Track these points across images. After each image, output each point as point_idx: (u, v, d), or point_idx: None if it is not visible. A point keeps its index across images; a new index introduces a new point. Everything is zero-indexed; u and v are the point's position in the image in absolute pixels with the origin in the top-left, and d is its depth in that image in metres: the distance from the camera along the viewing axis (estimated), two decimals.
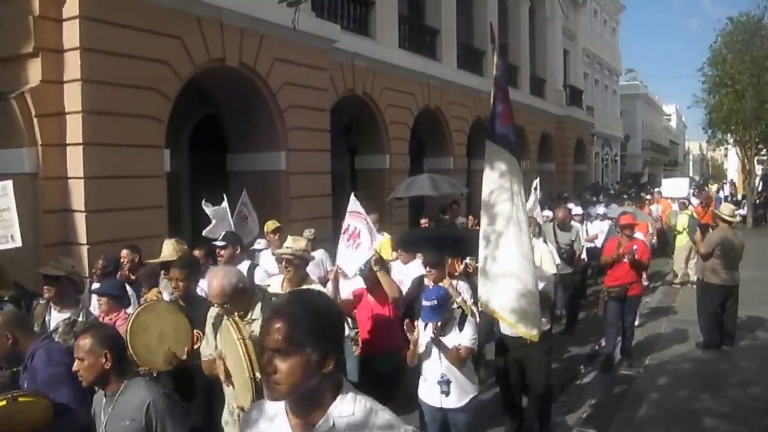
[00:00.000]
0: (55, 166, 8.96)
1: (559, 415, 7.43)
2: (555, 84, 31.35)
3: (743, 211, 26.94)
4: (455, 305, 5.78)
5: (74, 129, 8.98)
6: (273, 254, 7.73)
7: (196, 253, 7.15)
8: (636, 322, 10.43)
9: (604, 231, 14.15)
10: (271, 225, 9.57)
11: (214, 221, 9.07)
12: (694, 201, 23.42)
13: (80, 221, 8.96)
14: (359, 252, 6.24)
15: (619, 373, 8.94)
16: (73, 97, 8.98)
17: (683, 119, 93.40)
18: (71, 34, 8.96)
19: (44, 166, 8.89)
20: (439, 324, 5.24)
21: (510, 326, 5.41)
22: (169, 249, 6.94)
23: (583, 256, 12.25)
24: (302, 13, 12.46)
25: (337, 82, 14.62)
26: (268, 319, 2.14)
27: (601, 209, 17.35)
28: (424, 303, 5.18)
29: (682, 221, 15.33)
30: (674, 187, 22.67)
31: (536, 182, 12.53)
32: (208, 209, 9.19)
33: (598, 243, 13.50)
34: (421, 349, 5.37)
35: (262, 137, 12.65)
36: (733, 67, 28.00)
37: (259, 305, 4.50)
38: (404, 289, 7.11)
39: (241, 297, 4.41)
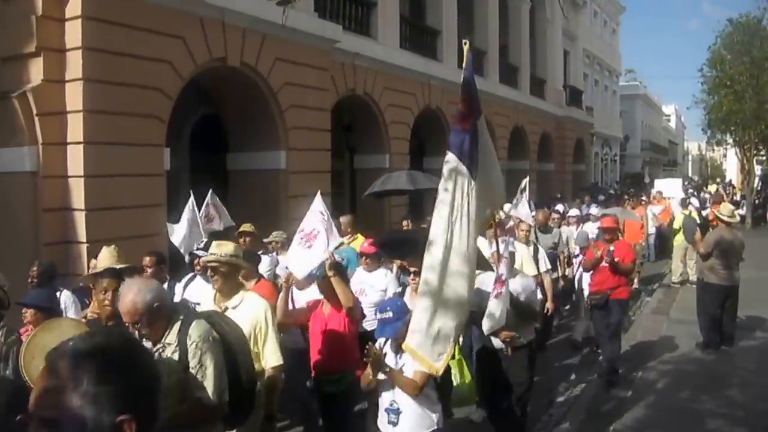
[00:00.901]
0: (56, 164, 8.96)
1: (558, 416, 7.45)
2: (555, 84, 31.35)
3: (742, 211, 26.93)
4: None
5: (75, 128, 8.99)
6: None
7: (146, 260, 6.81)
8: (623, 334, 9.62)
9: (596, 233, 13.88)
10: (246, 227, 8.85)
11: (180, 227, 8.66)
12: (695, 201, 23.44)
13: (80, 220, 8.97)
14: (312, 252, 5.70)
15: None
16: (74, 96, 8.99)
17: (682, 120, 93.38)
18: (74, 33, 8.97)
19: (45, 165, 8.89)
20: (390, 341, 4.71)
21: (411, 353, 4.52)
22: (105, 257, 5.98)
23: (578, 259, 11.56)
24: (304, 13, 12.60)
25: (338, 81, 14.63)
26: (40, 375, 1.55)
27: (594, 210, 16.96)
28: (378, 315, 4.71)
29: (678, 220, 15.36)
30: (668, 187, 22.77)
31: (525, 182, 11.74)
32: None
33: None
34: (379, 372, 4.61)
35: (263, 137, 12.65)
36: (733, 68, 28.03)
37: (177, 326, 3.84)
38: (369, 301, 6.85)
39: (156, 318, 3.79)
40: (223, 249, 4.93)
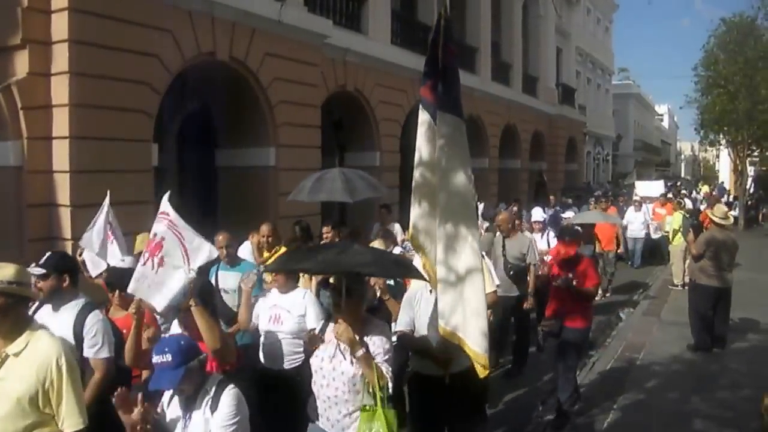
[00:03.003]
0: (41, 159, 8.87)
1: (549, 417, 7.39)
2: (547, 82, 31.32)
3: (735, 213, 26.94)
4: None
5: (61, 122, 8.89)
6: None
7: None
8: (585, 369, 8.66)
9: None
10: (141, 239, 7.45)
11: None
12: (687, 202, 23.38)
13: (65, 216, 8.87)
14: (165, 273, 4.34)
15: (608, 374, 8.88)
16: (60, 89, 8.89)
17: (675, 119, 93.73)
18: (60, 26, 8.86)
19: (30, 160, 8.80)
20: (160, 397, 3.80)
21: (474, 356, 4.14)
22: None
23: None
24: (294, 7, 12.48)
25: (328, 77, 14.51)
26: None
27: (568, 214, 15.82)
28: (153, 358, 3.56)
29: (676, 221, 15.27)
30: (648, 190, 22.56)
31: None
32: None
33: None
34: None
35: (252, 133, 12.56)
36: (726, 67, 28.04)
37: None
38: (287, 331, 5.53)
39: None
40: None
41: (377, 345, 4.18)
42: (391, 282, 6.48)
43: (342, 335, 4.07)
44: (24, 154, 8.80)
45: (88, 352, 4.52)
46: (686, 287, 12.08)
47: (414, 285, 5.55)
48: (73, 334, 4.49)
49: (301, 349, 5.24)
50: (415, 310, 5.11)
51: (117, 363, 4.65)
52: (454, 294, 4.16)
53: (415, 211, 4.45)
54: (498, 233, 9.38)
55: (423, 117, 4.38)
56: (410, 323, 5.11)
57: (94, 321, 4.58)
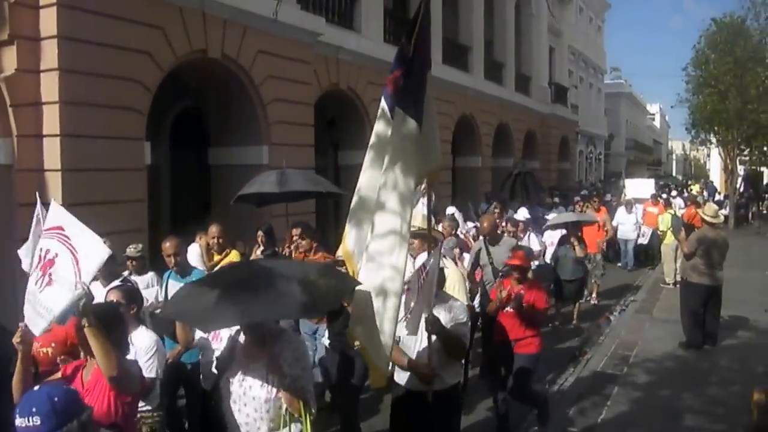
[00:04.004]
0: (31, 157, 8.78)
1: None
2: (540, 81, 31.35)
3: (725, 211, 27.02)
4: None
5: (51, 120, 8.80)
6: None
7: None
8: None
9: (554, 243, 12.31)
10: (132, 250, 6.90)
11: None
12: (679, 201, 23.46)
13: None
14: (50, 294, 3.81)
15: (601, 372, 8.89)
16: (50, 86, 8.80)
17: (667, 119, 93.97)
18: (48, 21, 8.77)
19: (20, 158, 8.72)
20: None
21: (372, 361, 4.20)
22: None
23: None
24: (286, 5, 12.41)
25: (321, 76, 14.47)
26: None
27: (550, 216, 14.80)
28: (17, 420, 2.77)
29: (665, 221, 15.32)
30: (638, 188, 22.22)
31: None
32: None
33: (547, 258, 12.18)
34: None
35: (245, 131, 12.50)
36: (717, 67, 28.09)
37: None
38: None
39: None
40: None
41: (293, 365, 3.89)
42: None
43: (256, 356, 3.90)
44: (14, 152, 8.72)
45: None
46: (678, 286, 12.10)
47: None
48: None
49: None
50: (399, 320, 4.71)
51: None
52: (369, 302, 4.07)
53: (353, 217, 4.33)
54: (481, 238, 9.07)
55: (382, 109, 4.20)
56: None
57: None
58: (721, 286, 9.93)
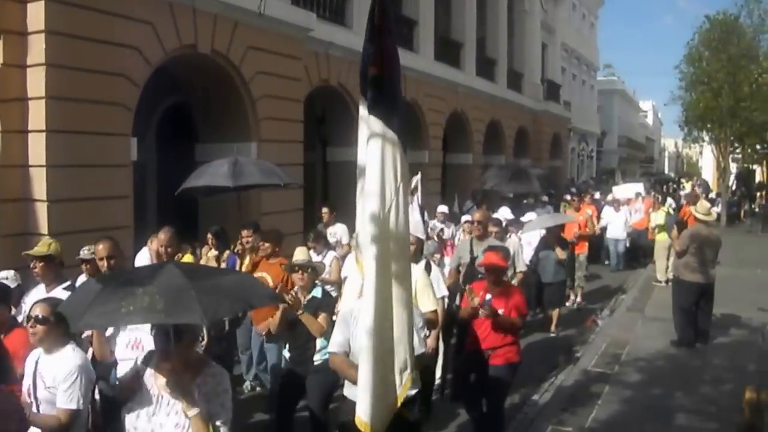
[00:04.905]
0: (16, 153, 8.68)
1: (533, 413, 7.36)
2: (532, 78, 31.31)
3: (717, 209, 27.07)
4: None
5: (37, 115, 8.70)
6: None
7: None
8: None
9: (532, 243, 11.61)
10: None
11: None
12: (671, 202, 23.39)
13: (41, 211, 8.69)
14: None
15: (593, 368, 8.85)
16: (36, 81, 8.70)
17: (659, 116, 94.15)
18: (36, 16, 8.66)
19: (4, 154, 8.60)
20: None
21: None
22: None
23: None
24: (277, 0, 12.29)
25: (312, 72, 14.37)
26: None
27: (527, 217, 13.32)
28: None
29: (659, 218, 15.28)
30: (626, 193, 21.79)
31: (416, 180, 8.81)
32: None
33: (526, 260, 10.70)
34: None
35: (233, 127, 12.39)
36: (710, 65, 28.18)
37: None
38: None
39: None
40: None
41: (213, 401, 3.50)
42: (317, 293, 6.03)
43: (172, 389, 3.43)
44: None
45: None
46: (669, 283, 12.04)
47: (350, 299, 4.85)
48: None
49: None
50: (351, 330, 4.40)
51: None
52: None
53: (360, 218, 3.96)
54: (468, 236, 8.75)
55: (363, 110, 3.79)
56: (345, 344, 4.44)
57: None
58: (713, 284, 9.90)
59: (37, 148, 8.73)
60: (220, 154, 12.37)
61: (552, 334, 11.05)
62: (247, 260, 7.79)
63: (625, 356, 9.39)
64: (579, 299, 13.42)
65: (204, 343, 5.24)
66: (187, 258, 7.32)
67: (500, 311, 6.14)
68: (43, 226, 8.68)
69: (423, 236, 7.25)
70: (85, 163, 9.08)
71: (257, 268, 7.47)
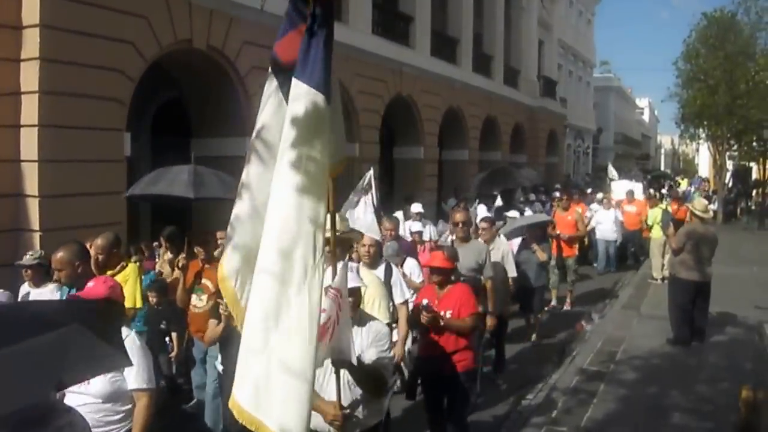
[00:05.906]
0: (8, 148, 8.66)
1: (528, 413, 7.32)
2: (529, 75, 31.28)
3: (714, 207, 27.06)
4: None
5: (30, 109, 8.70)
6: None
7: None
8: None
9: (512, 243, 10.37)
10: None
11: None
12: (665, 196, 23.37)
13: (33, 206, 8.67)
14: None
15: (589, 366, 8.82)
16: (29, 76, 8.70)
17: (656, 113, 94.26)
18: (30, 10, 8.67)
19: None
20: None
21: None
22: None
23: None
24: None
25: None
26: None
27: (512, 213, 12.81)
28: None
29: (654, 215, 15.22)
30: (624, 188, 21.50)
31: (369, 176, 8.40)
32: None
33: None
34: None
35: (229, 122, 12.36)
36: (707, 62, 28.15)
37: None
38: (93, 391, 3.72)
39: None
40: None
41: None
42: None
43: None
44: None
45: None
46: (665, 281, 11.98)
47: None
48: None
49: (118, 418, 3.78)
50: None
51: None
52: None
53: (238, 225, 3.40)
54: (450, 237, 8.24)
55: (270, 87, 3.32)
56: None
57: None
58: (710, 282, 9.84)
59: (29, 143, 8.72)
60: (215, 150, 12.40)
61: (533, 341, 10.44)
62: (176, 273, 7.06)
63: (620, 354, 9.33)
64: (569, 303, 12.97)
65: None
66: (132, 269, 6.01)
67: (448, 313, 5.63)
68: (35, 221, 8.65)
69: (378, 237, 6.90)
70: (78, 158, 9.06)
71: (202, 275, 6.70)
